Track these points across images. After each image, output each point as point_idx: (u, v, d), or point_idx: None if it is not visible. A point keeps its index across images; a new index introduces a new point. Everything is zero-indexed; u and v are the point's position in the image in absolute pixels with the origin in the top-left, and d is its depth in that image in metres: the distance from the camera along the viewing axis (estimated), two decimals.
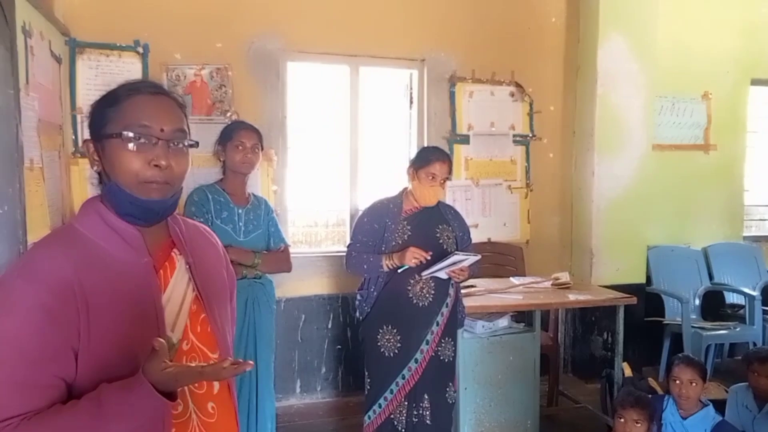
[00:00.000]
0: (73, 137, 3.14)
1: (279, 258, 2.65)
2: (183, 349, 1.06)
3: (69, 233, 1.03)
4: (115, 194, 1.02)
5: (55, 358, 0.92)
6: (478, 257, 2.53)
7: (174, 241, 1.11)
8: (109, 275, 0.99)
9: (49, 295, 0.92)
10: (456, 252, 2.48)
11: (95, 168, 1.05)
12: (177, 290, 1.08)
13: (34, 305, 0.91)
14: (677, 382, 2.49)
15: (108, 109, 1.03)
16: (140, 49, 3.28)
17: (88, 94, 3.14)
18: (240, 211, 2.58)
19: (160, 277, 1.06)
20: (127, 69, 3.27)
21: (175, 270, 1.09)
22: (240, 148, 2.56)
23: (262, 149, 2.68)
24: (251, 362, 0.92)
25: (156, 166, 1.00)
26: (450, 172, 2.62)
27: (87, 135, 1.07)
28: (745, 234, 4.71)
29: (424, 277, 2.53)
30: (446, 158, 2.62)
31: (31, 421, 0.90)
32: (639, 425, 2.29)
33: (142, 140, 1.00)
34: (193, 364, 0.97)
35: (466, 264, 2.51)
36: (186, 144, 1.05)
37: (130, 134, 0.99)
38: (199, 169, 3.29)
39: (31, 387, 0.91)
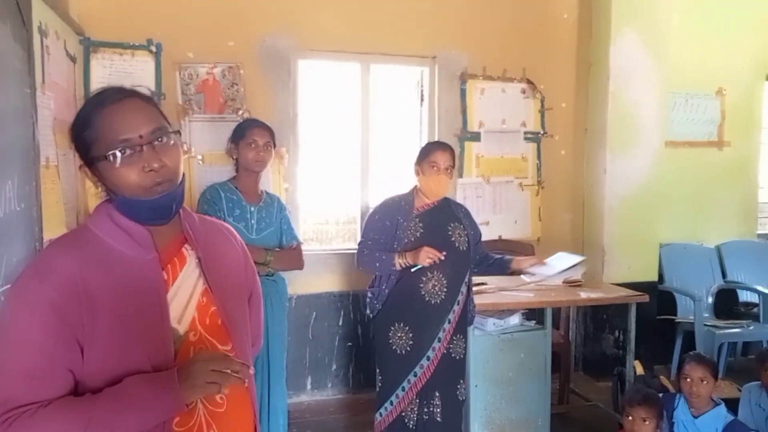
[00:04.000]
0: None
1: (291, 255, 2.67)
2: (190, 339, 1.10)
3: (81, 234, 1.10)
4: (129, 206, 1.07)
5: (63, 350, 0.99)
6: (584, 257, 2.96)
7: (186, 237, 1.16)
8: (115, 272, 1.04)
9: (55, 291, 0.98)
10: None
11: (100, 189, 1.09)
12: (185, 284, 1.12)
13: (43, 301, 0.98)
14: (688, 380, 2.48)
15: (84, 133, 1.05)
16: (153, 48, 3.32)
17: None
18: (252, 208, 2.59)
19: (168, 272, 1.11)
20: (140, 68, 3.30)
21: (184, 265, 1.13)
22: (253, 145, 2.57)
23: (275, 147, 2.69)
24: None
25: (151, 171, 1.03)
26: (453, 160, 2.61)
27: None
28: (759, 231, 4.66)
29: (535, 282, 2.93)
30: (446, 147, 2.63)
31: (47, 408, 0.96)
32: (647, 423, 2.28)
33: (128, 153, 1.02)
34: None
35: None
36: (168, 138, 1.06)
37: (116, 153, 1.02)
38: (212, 167, 3.35)
39: (42, 377, 0.98)
